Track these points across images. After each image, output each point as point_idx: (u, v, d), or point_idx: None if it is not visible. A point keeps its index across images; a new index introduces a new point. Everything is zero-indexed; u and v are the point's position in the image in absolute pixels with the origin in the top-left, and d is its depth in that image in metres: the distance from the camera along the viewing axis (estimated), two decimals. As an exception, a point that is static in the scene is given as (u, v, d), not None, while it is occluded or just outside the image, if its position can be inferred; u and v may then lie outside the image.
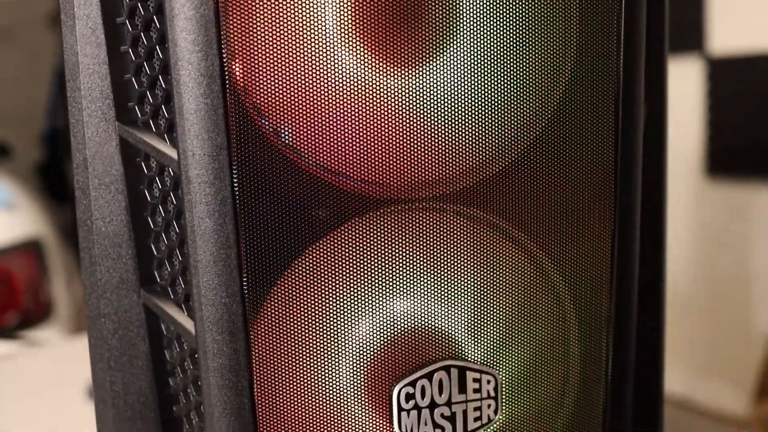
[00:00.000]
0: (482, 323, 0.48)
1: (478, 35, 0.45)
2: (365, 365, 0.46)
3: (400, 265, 0.46)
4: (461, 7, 0.44)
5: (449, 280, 0.47)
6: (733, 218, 2.15)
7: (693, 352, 2.25)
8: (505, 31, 0.45)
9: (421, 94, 0.44)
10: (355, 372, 0.46)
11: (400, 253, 0.45)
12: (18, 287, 1.85)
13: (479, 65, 0.45)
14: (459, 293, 0.47)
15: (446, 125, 0.45)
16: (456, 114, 0.45)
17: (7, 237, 1.90)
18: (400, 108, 0.44)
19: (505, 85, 0.46)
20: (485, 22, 0.45)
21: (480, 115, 0.46)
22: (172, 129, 0.45)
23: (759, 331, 2.09)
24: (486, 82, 0.45)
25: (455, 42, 0.45)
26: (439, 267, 0.46)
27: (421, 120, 0.45)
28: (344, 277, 0.45)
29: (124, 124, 0.48)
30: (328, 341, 0.45)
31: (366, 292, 0.45)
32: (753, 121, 2.08)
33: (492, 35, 0.45)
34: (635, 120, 0.50)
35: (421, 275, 0.46)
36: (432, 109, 0.45)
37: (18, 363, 1.26)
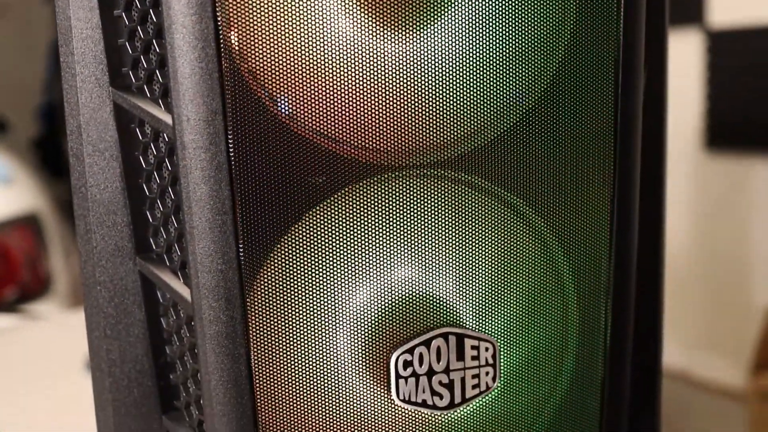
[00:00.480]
0: (479, 291, 0.47)
1: None
2: (362, 332, 0.45)
3: (399, 231, 0.45)
4: None
5: (447, 248, 0.46)
6: (731, 191, 2.15)
7: (690, 325, 2.26)
8: None
9: (418, 59, 0.44)
10: (352, 339, 0.45)
11: (399, 219, 0.45)
12: (16, 261, 1.85)
13: (476, 29, 0.45)
14: (458, 261, 0.47)
15: (443, 90, 0.45)
16: (453, 79, 0.45)
17: (4, 212, 1.90)
18: (397, 73, 0.44)
19: (503, 49, 0.45)
20: None
21: (477, 80, 0.45)
22: (166, 94, 0.45)
23: (757, 304, 2.09)
24: (483, 45, 0.45)
25: (450, 8, 0.44)
26: (437, 234, 0.46)
27: (418, 85, 0.44)
28: (341, 244, 0.44)
29: (118, 90, 0.48)
30: (325, 308, 0.45)
31: (363, 258, 0.45)
32: (752, 94, 2.08)
33: None
34: (635, 88, 0.50)
35: (420, 242, 0.46)
36: (428, 73, 0.44)
37: (17, 336, 1.27)
